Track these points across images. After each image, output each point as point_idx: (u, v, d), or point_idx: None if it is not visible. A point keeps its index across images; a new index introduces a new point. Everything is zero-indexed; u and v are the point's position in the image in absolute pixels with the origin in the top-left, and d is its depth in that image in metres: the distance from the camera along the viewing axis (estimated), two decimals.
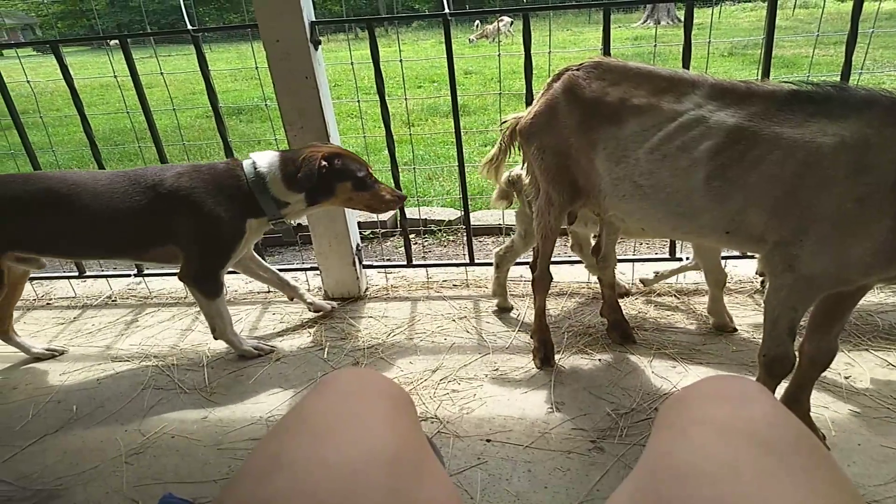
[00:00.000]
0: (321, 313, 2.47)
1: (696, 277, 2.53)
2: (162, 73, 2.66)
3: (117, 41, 2.38)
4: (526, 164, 1.94)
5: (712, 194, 1.44)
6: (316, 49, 2.18)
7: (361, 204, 2.09)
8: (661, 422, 0.71)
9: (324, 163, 1.92)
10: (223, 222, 1.96)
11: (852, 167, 1.24)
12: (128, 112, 2.73)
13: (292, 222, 2.09)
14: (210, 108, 2.41)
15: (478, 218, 3.58)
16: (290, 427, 0.66)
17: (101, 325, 2.53)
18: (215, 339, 2.18)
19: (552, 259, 2.01)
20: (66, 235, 1.94)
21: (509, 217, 3.41)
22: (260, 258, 2.38)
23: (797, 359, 1.44)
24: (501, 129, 2.04)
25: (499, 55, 2.64)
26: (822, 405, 1.74)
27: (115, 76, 2.51)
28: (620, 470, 1.56)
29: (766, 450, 0.56)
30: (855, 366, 1.89)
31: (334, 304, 2.52)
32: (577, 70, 1.71)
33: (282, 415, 1.16)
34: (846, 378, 1.84)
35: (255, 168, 1.97)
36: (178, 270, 2.06)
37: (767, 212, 1.38)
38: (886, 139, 1.21)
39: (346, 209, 2.41)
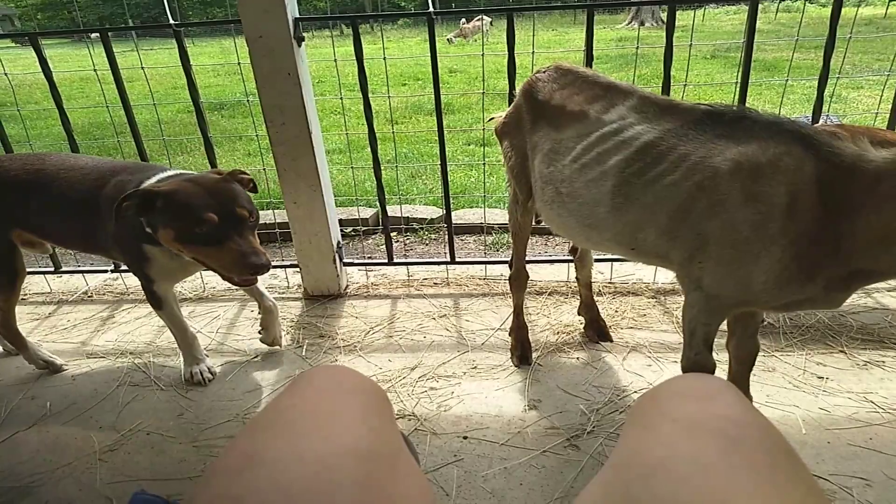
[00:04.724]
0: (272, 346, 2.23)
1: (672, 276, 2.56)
2: (143, 67, 2.64)
3: (98, 34, 2.35)
4: (503, 162, 1.96)
5: (614, 210, 1.45)
6: (299, 46, 2.17)
7: (199, 263, 1.73)
8: (632, 419, 0.72)
9: (126, 202, 1.56)
10: (124, 241, 1.80)
11: (747, 193, 1.23)
12: (107, 106, 2.70)
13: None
14: (191, 102, 2.39)
15: (459, 216, 3.59)
16: (265, 424, 0.66)
17: (77, 321, 2.51)
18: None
19: (532, 258, 2.02)
20: (50, 220, 1.90)
21: (490, 216, 3.42)
22: (263, 294, 2.10)
23: (716, 366, 1.44)
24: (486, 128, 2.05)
25: (482, 55, 2.65)
26: (793, 404, 1.77)
27: (96, 70, 2.48)
28: (595, 467, 1.58)
29: (732, 446, 0.57)
30: (827, 366, 1.93)
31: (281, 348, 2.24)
32: (543, 72, 1.74)
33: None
34: (819, 378, 1.88)
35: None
36: None
37: (664, 232, 1.38)
38: (779, 167, 1.20)
39: (325, 205, 2.41)
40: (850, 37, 2.31)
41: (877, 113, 2.65)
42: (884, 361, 1.93)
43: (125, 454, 1.75)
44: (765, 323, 2.18)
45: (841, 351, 2.00)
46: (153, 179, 1.74)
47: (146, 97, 2.91)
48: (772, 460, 0.57)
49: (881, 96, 2.80)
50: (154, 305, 1.96)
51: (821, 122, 2.20)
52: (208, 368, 2.07)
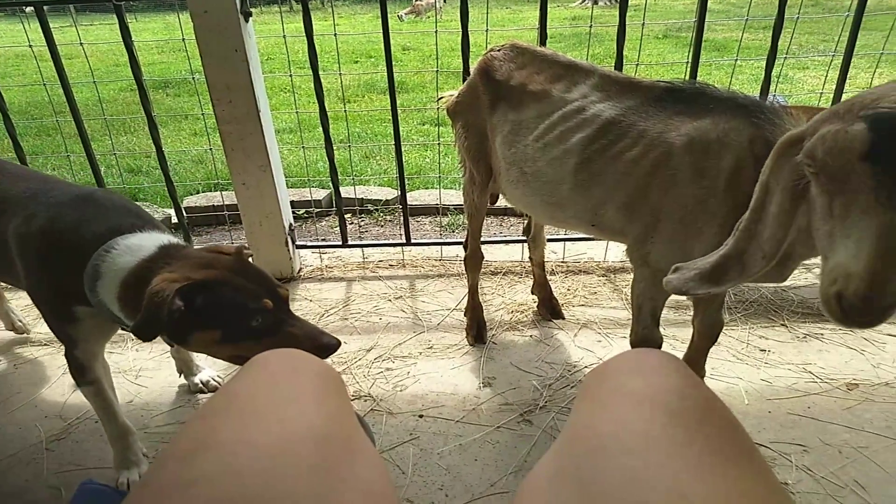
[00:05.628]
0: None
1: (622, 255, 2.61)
2: (82, 44, 2.53)
3: (32, 8, 2.24)
4: (456, 142, 1.95)
5: (577, 187, 1.47)
6: (246, 21, 2.11)
7: (245, 359, 1.22)
8: (582, 394, 0.74)
9: (178, 303, 1.16)
10: (47, 295, 1.40)
11: (695, 168, 1.26)
12: (45, 84, 2.59)
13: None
14: (134, 80, 2.31)
15: (415, 198, 3.57)
16: (217, 408, 0.65)
17: (18, 308, 2.41)
18: None
19: (487, 239, 2.03)
20: None
21: (446, 197, 3.42)
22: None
23: (663, 340, 1.49)
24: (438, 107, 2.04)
25: (436, 32, 2.63)
26: (737, 376, 1.84)
27: (31, 46, 2.37)
28: (547, 441, 1.62)
29: (678, 419, 0.59)
30: (769, 339, 2.01)
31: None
32: (498, 51, 1.73)
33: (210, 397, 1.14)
34: (761, 350, 1.95)
35: (101, 259, 1.28)
36: None
37: (622, 208, 1.41)
38: (725, 142, 1.22)
39: (276, 186, 2.37)
40: (798, 18, 2.37)
41: (821, 93, 2.74)
42: (822, 334, 2.02)
43: (73, 443, 1.71)
44: None
45: (782, 324, 2.08)
46: (126, 251, 1.29)
47: (86, 75, 2.80)
48: (715, 432, 0.59)
49: (826, 77, 2.89)
50: (76, 375, 1.49)
51: (768, 102, 2.27)
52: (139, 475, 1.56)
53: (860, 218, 0.79)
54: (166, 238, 1.36)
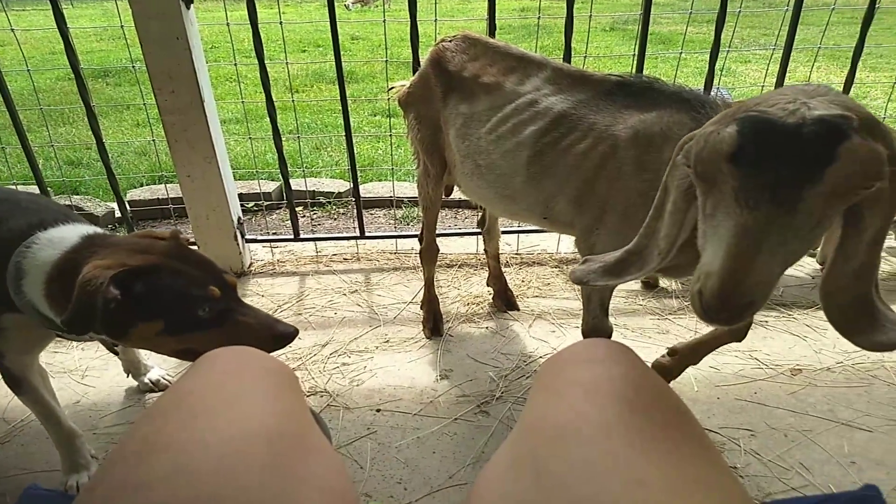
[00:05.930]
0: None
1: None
2: (13, 30, 2.40)
3: None
4: (408, 134, 1.94)
5: (530, 179, 1.48)
6: (188, 7, 2.04)
7: (193, 353, 1.11)
8: (537, 384, 0.74)
9: (114, 291, 1.08)
10: None
11: (638, 162, 1.27)
12: None
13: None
14: (71, 69, 2.21)
15: (368, 190, 3.53)
16: (166, 408, 0.64)
17: None
18: None
19: (442, 231, 2.02)
20: None
21: (400, 189, 3.40)
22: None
23: (613, 329, 1.50)
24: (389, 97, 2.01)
25: (384, 21, 2.60)
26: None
27: None
28: (504, 431, 1.63)
29: (630, 408, 0.60)
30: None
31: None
32: (450, 42, 1.72)
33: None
34: None
35: (23, 255, 1.19)
36: None
37: (572, 201, 1.43)
38: (668, 136, 1.23)
39: (222, 178, 2.31)
40: (740, 12, 2.42)
41: (763, 86, 2.81)
42: (766, 321, 2.09)
43: (18, 446, 1.64)
44: (658, 287, 2.31)
45: None
46: (45, 246, 1.20)
47: (20, 63, 2.66)
48: (666, 419, 0.61)
49: (766, 70, 2.97)
50: (10, 385, 1.42)
51: (712, 95, 2.32)
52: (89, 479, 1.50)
53: (723, 218, 0.80)
54: (91, 228, 1.28)
